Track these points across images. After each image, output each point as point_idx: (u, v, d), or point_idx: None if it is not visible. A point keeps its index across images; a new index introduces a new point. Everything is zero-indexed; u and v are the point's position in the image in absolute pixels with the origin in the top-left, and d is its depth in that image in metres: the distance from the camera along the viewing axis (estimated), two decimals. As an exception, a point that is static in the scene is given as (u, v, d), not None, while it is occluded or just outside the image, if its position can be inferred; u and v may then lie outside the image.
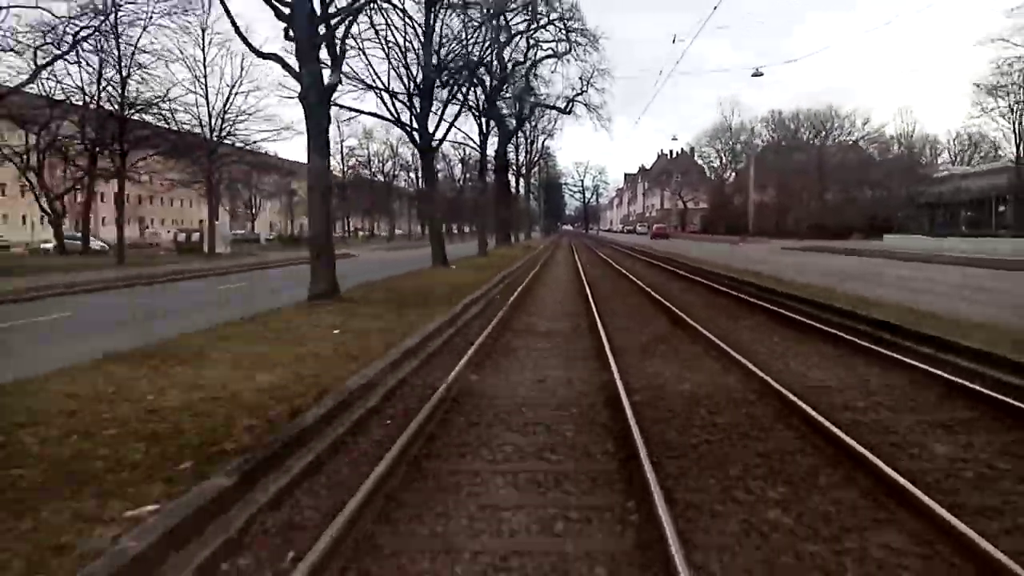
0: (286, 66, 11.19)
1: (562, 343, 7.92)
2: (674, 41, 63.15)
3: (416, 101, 19.27)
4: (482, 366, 6.56)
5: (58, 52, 20.90)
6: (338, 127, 52.80)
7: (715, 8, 21.69)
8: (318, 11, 11.16)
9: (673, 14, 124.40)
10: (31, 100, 24.23)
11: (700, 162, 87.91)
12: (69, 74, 34.78)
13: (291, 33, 11.00)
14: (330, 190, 12.64)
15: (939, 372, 5.60)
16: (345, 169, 56.46)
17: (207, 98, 29.94)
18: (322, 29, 11.37)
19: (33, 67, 20.72)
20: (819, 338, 7.80)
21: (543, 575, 2.66)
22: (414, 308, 10.05)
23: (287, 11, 10.86)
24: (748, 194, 52.75)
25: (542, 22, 29.91)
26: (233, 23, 11.39)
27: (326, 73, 11.53)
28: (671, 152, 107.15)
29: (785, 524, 3.05)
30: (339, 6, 12.11)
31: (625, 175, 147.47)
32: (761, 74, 29.91)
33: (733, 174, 74.78)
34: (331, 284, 11.07)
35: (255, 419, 4.20)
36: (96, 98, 23.29)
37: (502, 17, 26.17)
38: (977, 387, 5.05)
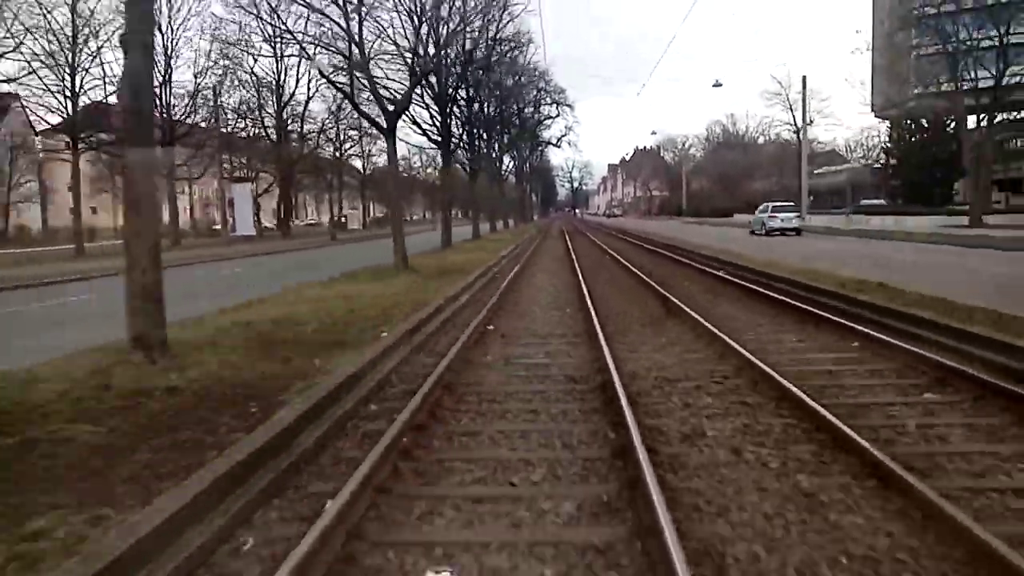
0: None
1: (558, 240, 31.33)
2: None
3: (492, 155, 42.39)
4: (537, 240, 29.95)
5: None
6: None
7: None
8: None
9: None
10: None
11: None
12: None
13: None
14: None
15: (671, 256, 28.97)
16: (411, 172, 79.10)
17: (361, 143, 52.82)
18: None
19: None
20: (636, 245, 31.16)
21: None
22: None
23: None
24: (683, 187, 76.35)
25: (542, 94, 52.99)
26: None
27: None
28: (645, 147, 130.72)
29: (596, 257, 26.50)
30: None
31: (608, 165, 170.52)
32: (655, 133, 53.12)
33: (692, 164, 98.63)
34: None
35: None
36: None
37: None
38: (671, 255, 28.47)
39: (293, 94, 38.99)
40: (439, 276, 13.95)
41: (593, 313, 8.18)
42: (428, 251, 23.01)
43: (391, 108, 15.91)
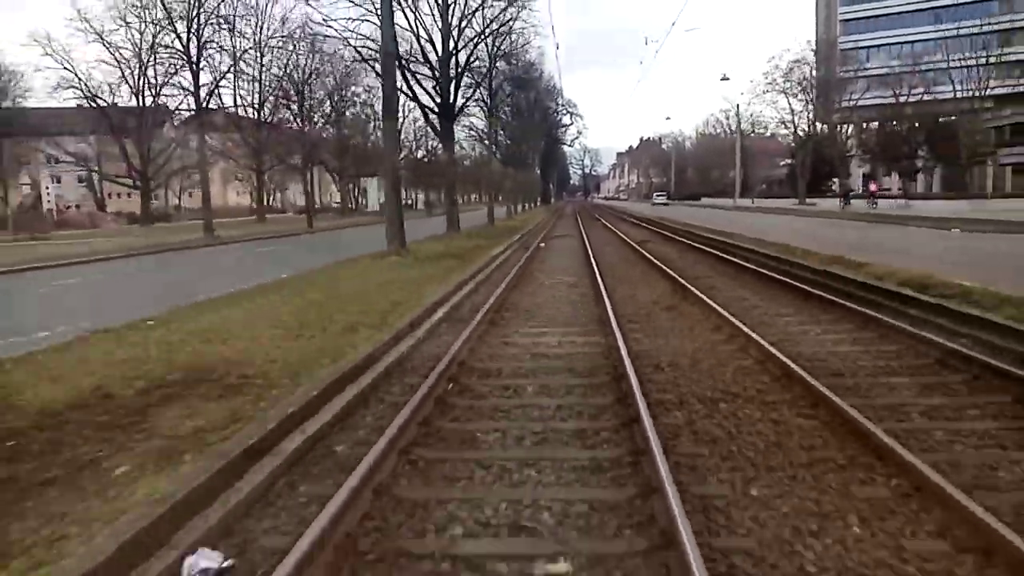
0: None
1: (570, 216, 52.35)
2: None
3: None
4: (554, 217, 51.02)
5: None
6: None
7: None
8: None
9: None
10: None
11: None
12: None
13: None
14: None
15: (614, 212, 49.95)
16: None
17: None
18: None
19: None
20: (608, 211, 52.01)
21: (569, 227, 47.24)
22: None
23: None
24: (672, 175, 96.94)
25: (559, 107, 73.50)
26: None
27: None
28: (649, 138, 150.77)
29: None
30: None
31: (617, 154, 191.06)
32: (641, 139, 73.41)
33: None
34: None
35: (530, 223, 48.44)
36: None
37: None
38: (631, 222, 49.44)
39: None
40: (524, 221, 35.07)
41: (581, 228, 29.57)
42: (506, 216, 44.37)
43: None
